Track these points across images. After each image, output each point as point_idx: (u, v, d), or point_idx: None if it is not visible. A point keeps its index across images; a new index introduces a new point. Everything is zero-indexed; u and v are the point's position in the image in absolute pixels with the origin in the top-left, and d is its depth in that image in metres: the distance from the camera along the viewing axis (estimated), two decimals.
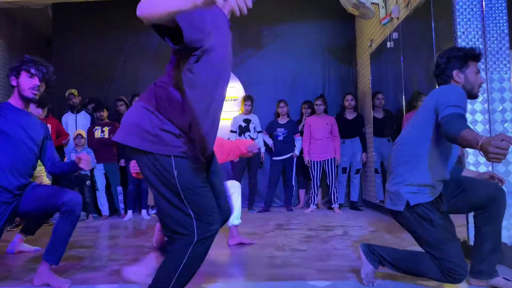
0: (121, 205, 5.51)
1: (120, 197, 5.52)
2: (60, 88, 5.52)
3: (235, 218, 3.16)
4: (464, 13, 2.74)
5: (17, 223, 4.79)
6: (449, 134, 1.75)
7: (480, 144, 1.55)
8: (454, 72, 2.06)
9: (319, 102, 5.52)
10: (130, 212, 5.32)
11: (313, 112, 5.68)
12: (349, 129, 5.57)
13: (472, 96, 2.10)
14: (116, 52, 6.36)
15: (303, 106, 5.85)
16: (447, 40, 2.98)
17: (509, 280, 2.06)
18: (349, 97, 5.58)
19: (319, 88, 6.15)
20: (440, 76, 2.12)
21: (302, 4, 6.15)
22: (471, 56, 2.07)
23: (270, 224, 4.31)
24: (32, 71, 2.33)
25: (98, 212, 5.49)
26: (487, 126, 2.68)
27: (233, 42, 1.69)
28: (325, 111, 5.59)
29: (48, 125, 3.56)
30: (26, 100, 2.37)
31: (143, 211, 5.37)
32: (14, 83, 2.36)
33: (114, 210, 5.58)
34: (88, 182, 5.32)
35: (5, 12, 6.74)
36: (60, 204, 2.32)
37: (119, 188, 5.52)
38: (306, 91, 6.10)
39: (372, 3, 4.63)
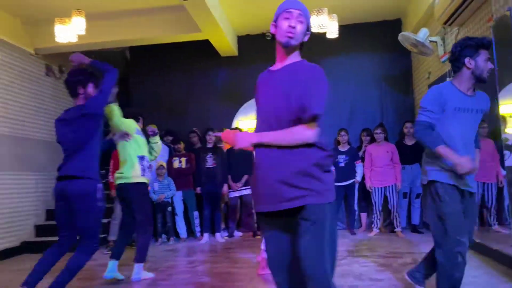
0: (197, 228, 6.08)
1: (197, 221, 6.09)
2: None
3: None
4: None
5: (112, 245, 5.44)
6: (425, 144, 2.43)
7: (456, 164, 2.28)
8: (466, 59, 2.38)
9: (378, 131, 5.84)
10: (206, 235, 5.85)
11: (372, 140, 6.00)
12: (409, 155, 5.82)
13: (482, 80, 2.41)
14: (187, 88, 7.00)
15: (362, 133, 6.19)
16: (509, 79, 3.27)
17: None
18: (408, 124, 5.85)
19: (377, 115, 6.48)
20: (454, 63, 2.47)
21: (359, 36, 6.51)
22: (482, 45, 2.38)
23: (340, 250, 4.67)
24: (98, 83, 3.09)
25: (177, 234, 6.07)
26: None
27: None
28: (385, 139, 5.90)
29: None
30: None
31: (217, 234, 5.89)
32: (81, 91, 3.03)
33: (190, 233, 6.16)
34: (169, 209, 5.92)
35: (84, 53, 7.57)
36: None
37: (196, 213, 6.09)
38: (365, 118, 6.43)
39: (430, 41, 4.93)
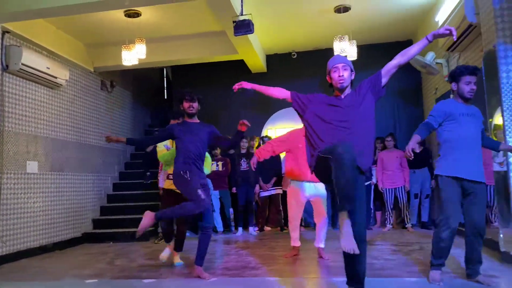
0: (232, 223, 6.97)
1: (231, 217, 6.98)
2: None
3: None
4: (507, 90, 3.84)
5: (160, 237, 6.36)
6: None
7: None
8: (453, 84, 3.28)
9: (389, 139, 6.68)
10: (240, 229, 6.75)
11: (385, 147, 6.83)
12: (418, 161, 6.64)
13: (464, 98, 3.25)
14: (221, 102, 7.93)
15: (376, 141, 7.01)
16: (495, 95, 4.05)
17: None
18: None
19: (390, 125, 7.31)
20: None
21: (375, 55, 7.34)
22: (461, 72, 3.23)
23: None
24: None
25: (214, 228, 6.95)
26: None
27: (318, 90, 3.05)
28: (395, 146, 6.73)
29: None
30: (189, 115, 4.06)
31: (250, 228, 6.78)
32: None
33: (226, 227, 7.05)
34: None
35: (132, 71, 8.59)
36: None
37: (231, 210, 6.99)
38: (379, 129, 7.08)
39: (436, 63, 5.76)
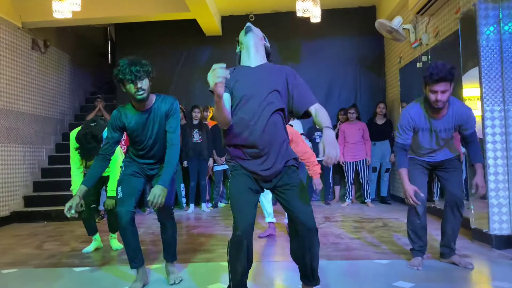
0: (183, 200, 6.44)
1: (183, 193, 6.44)
2: (123, 99, 6.40)
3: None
4: (487, 54, 3.53)
5: (102, 215, 5.73)
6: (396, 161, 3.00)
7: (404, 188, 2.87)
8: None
9: (352, 111, 6.35)
10: (192, 205, 6.24)
11: (347, 119, 6.50)
12: (379, 133, 6.38)
13: (432, 107, 2.75)
14: (171, 66, 7.22)
15: (339, 113, 6.65)
16: (472, 59, 3.73)
17: None
18: (381, 105, 6.38)
19: (352, 96, 6.97)
20: None
21: (338, 20, 6.92)
22: (426, 82, 2.70)
23: (318, 217, 5.18)
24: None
25: None
26: (504, 137, 3.49)
27: (276, 56, 2.51)
28: (358, 118, 6.41)
29: None
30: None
31: (203, 205, 6.28)
32: None
33: (176, 204, 6.50)
34: None
35: (70, 31, 7.64)
36: None
37: (182, 185, 6.44)
38: (340, 99, 6.92)
39: (403, 28, 5.41)
